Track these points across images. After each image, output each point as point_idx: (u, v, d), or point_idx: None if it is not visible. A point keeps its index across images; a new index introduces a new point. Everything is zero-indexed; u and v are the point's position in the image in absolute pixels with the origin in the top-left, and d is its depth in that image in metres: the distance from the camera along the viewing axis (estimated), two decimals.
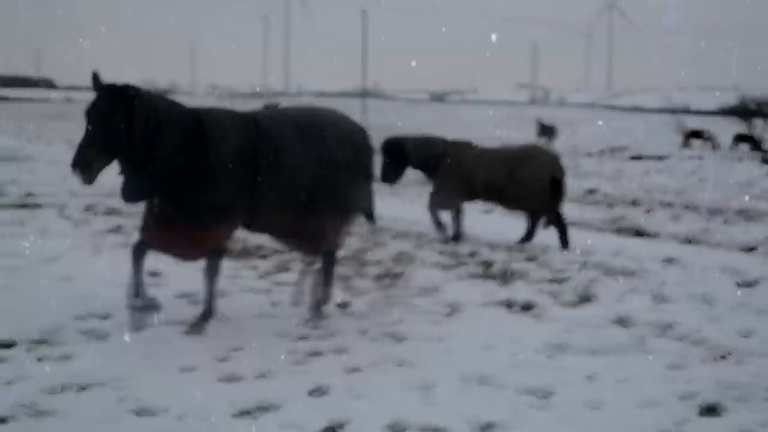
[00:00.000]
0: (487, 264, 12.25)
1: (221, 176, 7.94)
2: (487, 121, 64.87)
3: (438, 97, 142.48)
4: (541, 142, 44.91)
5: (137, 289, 8.28)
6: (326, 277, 9.33)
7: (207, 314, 8.40)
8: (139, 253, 8.27)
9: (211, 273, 8.40)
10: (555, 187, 14.03)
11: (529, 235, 14.20)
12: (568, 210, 18.71)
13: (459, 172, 14.06)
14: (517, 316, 9.54)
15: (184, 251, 8.31)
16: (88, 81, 7.50)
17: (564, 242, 13.98)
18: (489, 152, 14.52)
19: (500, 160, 14.14)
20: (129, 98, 7.50)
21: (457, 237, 14.19)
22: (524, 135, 46.43)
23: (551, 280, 11.27)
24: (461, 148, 14.49)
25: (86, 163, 7.27)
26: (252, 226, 8.81)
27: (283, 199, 8.46)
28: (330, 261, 9.35)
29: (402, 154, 14.24)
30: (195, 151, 7.81)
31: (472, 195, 14.31)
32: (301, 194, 8.54)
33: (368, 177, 9.34)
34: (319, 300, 9.25)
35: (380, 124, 57.09)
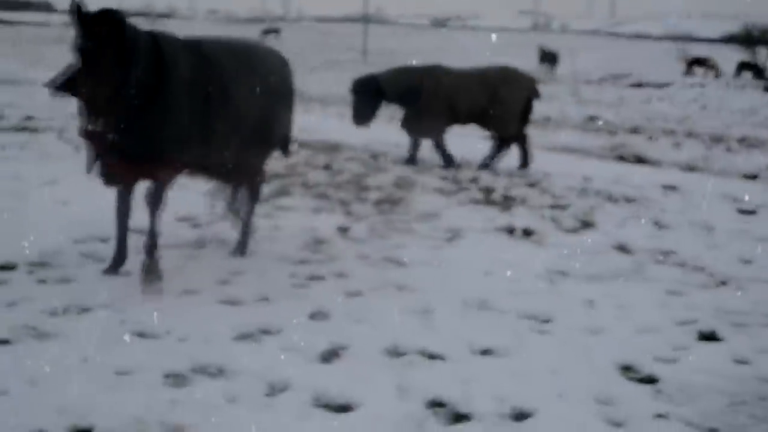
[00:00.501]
0: (488, 190, 12.25)
1: (178, 105, 7.15)
2: (488, 47, 64.39)
3: (439, 23, 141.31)
4: (543, 68, 44.67)
5: (122, 242, 7.65)
6: (250, 210, 8.80)
7: (152, 249, 7.48)
8: (123, 206, 7.59)
9: (155, 205, 7.51)
10: (527, 108, 14.26)
11: (525, 159, 14.21)
12: (570, 137, 18.76)
13: (439, 97, 13.92)
14: (518, 242, 9.56)
15: (133, 182, 7.49)
16: (88, 3, 6.89)
17: (525, 162, 14.21)
18: (468, 75, 14.40)
19: (481, 82, 14.08)
20: (121, 27, 6.71)
21: (451, 162, 14.12)
22: (525, 62, 46.12)
23: (552, 206, 11.28)
24: (438, 73, 14.31)
25: (101, 108, 6.57)
26: (197, 162, 7.78)
27: (230, 131, 7.77)
28: (256, 194, 8.88)
29: (375, 91, 14.00)
30: (155, 76, 6.96)
31: (454, 119, 14.20)
32: (244, 124, 7.93)
33: (291, 107, 8.79)
34: (243, 237, 8.72)
35: (381, 50, 56.99)
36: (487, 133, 14.70)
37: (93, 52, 6.58)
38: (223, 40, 8.31)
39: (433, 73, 14.22)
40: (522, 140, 14.19)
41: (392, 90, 13.95)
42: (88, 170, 7.28)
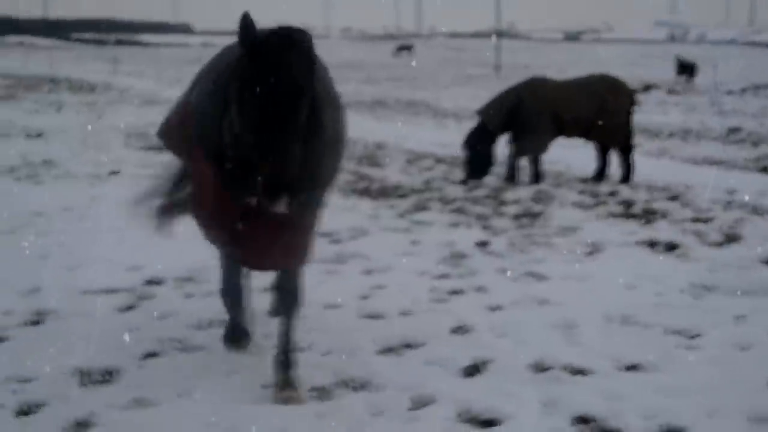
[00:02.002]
0: (628, 203, 12.04)
1: (331, 145, 5.31)
2: (623, 59, 63.49)
3: (573, 37, 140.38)
4: (681, 80, 43.77)
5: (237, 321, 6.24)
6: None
7: (290, 363, 5.63)
8: (236, 284, 6.19)
9: (293, 305, 5.70)
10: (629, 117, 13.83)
11: (603, 171, 13.96)
12: (711, 149, 18.31)
13: (544, 110, 13.36)
14: (661, 256, 9.34)
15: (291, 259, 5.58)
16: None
17: (627, 177, 13.73)
18: (571, 86, 14.03)
19: (587, 92, 13.64)
20: (313, 54, 4.74)
21: (539, 178, 13.65)
22: (662, 74, 45.32)
23: (695, 220, 11.00)
24: (536, 85, 13.86)
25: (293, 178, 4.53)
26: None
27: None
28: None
29: (484, 134, 13.37)
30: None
31: (560, 131, 13.65)
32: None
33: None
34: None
35: (514, 64, 56.72)
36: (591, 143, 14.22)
37: (290, 99, 4.52)
38: None
39: (531, 87, 13.77)
40: (627, 151, 13.81)
41: (495, 122, 13.39)
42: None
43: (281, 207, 4.46)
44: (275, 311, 6.20)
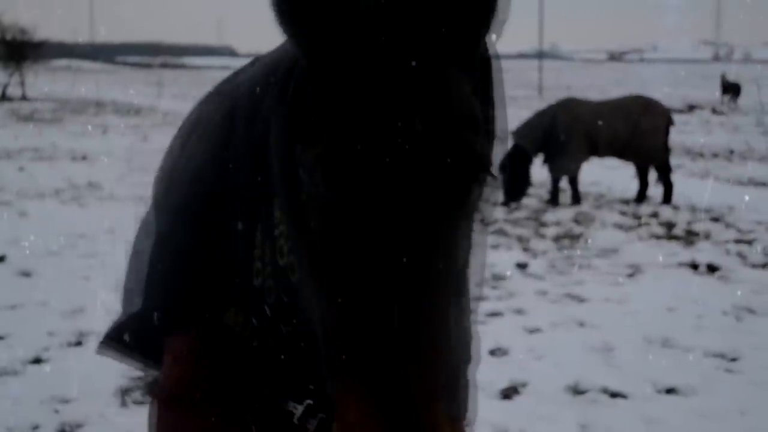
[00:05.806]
0: (669, 225, 11.96)
1: None
2: (667, 79, 63.16)
3: (616, 57, 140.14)
4: (725, 100, 43.47)
5: None
6: None
7: None
8: None
9: None
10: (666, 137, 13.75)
11: (644, 191, 13.90)
12: (756, 169, 18.15)
13: (578, 130, 13.36)
14: (702, 278, 9.27)
15: None
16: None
17: (668, 197, 13.66)
18: (605, 106, 14.01)
19: (622, 113, 13.63)
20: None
21: (578, 200, 13.69)
22: (706, 93, 45.04)
23: (738, 241, 10.91)
24: (571, 106, 13.85)
25: None
26: None
27: None
28: None
29: (520, 155, 13.21)
30: None
31: (593, 152, 13.68)
32: None
33: None
34: None
35: (557, 85, 56.60)
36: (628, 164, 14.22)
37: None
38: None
39: (565, 108, 13.77)
40: (664, 171, 13.76)
41: (531, 144, 13.40)
42: None
43: None
44: None
